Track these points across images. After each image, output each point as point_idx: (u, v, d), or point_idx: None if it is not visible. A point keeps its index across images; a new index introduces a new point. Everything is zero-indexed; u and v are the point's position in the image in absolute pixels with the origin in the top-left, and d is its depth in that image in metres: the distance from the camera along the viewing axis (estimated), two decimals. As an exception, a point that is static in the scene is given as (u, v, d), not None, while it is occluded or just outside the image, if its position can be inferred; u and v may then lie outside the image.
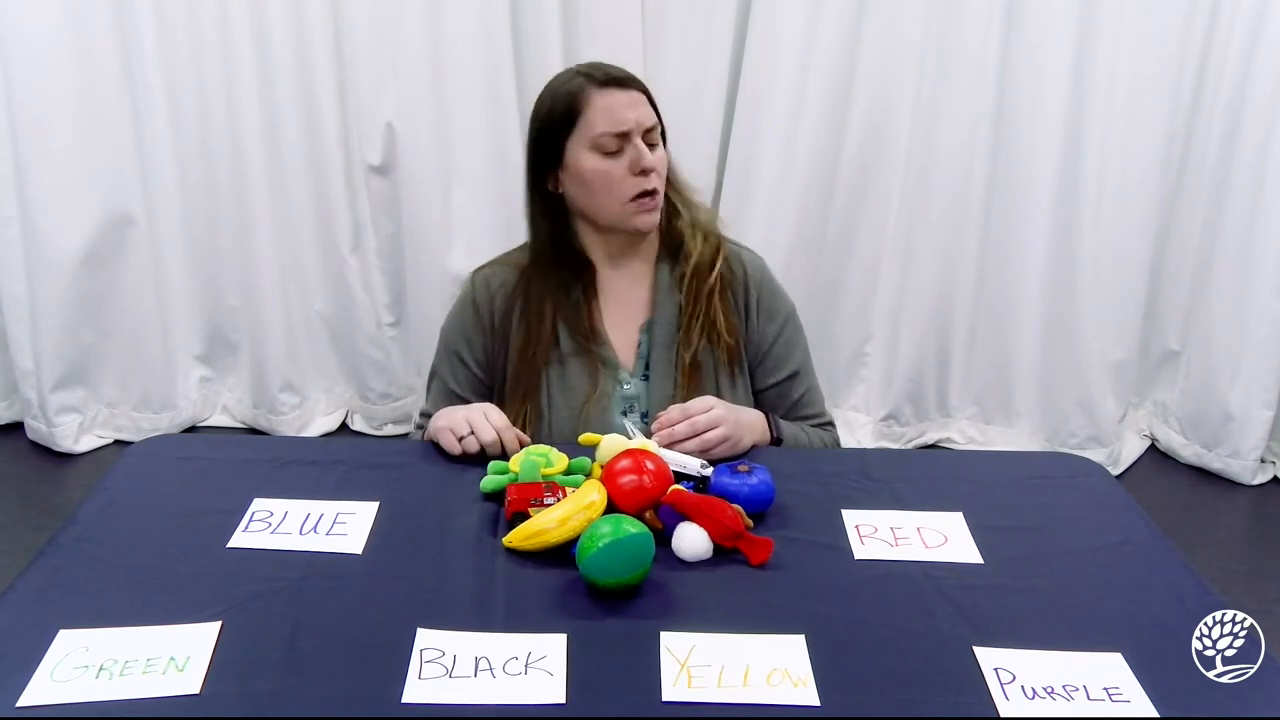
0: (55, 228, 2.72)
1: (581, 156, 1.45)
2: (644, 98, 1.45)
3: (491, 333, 1.55)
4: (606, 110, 1.43)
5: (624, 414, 1.53)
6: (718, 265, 1.53)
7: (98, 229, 2.77)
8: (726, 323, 1.52)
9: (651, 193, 1.45)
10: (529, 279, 1.53)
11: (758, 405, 1.58)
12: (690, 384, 1.50)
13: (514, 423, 1.50)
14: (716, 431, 1.37)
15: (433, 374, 1.60)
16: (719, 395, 1.51)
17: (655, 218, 1.48)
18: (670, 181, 1.52)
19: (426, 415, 1.59)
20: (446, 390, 1.57)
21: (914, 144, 2.77)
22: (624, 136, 1.43)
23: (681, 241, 1.54)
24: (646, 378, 1.53)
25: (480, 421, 1.37)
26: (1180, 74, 2.70)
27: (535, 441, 1.48)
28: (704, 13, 2.69)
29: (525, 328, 1.52)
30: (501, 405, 1.54)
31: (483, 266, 1.60)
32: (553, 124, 1.46)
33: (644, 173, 1.43)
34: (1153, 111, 2.70)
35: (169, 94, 2.76)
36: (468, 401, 1.55)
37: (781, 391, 1.57)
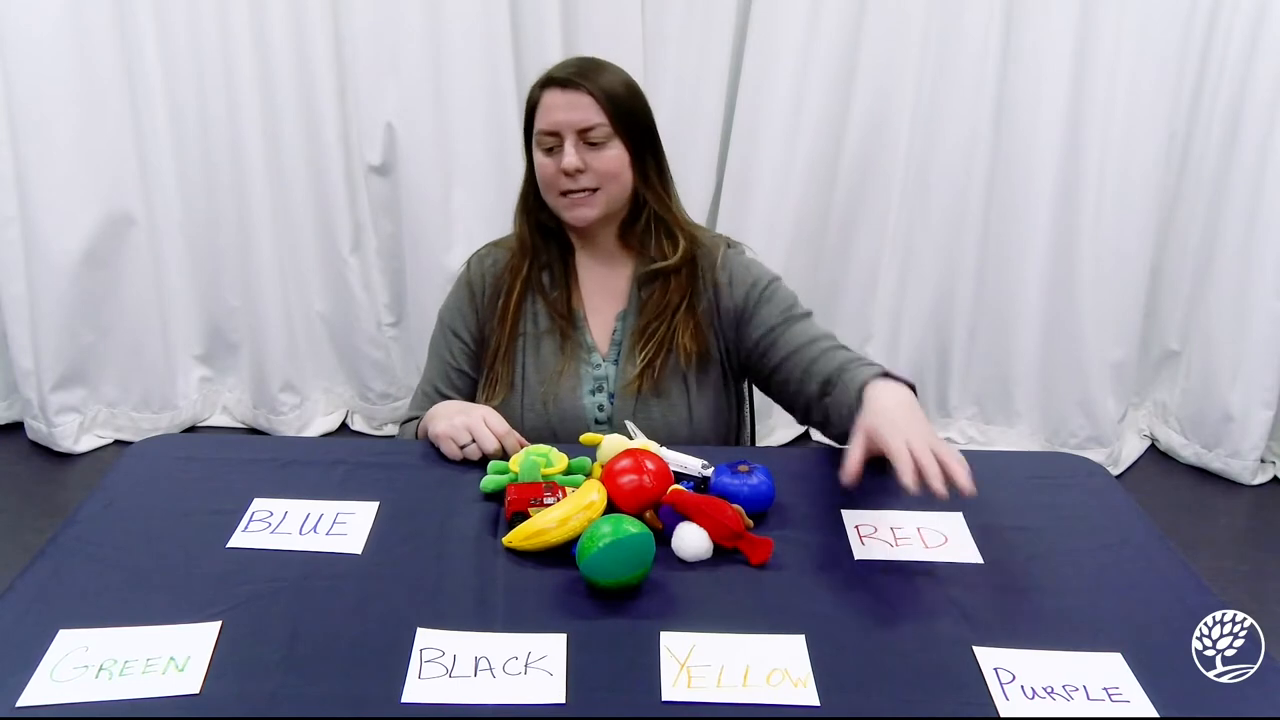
0: (55, 228, 2.72)
1: (535, 152, 1.52)
2: (588, 99, 1.46)
3: (484, 306, 1.59)
4: (545, 110, 1.48)
5: (593, 393, 1.55)
6: (673, 279, 1.54)
7: (98, 229, 2.77)
8: (685, 330, 1.53)
9: (578, 191, 1.48)
10: (518, 257, 1.58)
11: (758, 355, 1.53)
12: (649, 379, 1.52)
13: (488, 391, 1.56)
14: (933, 448, 1.14)
15: (430, 352, 1.64)
16: (685, 391, 1.53)
17: (585, 213, 1.50)
18: (647, 181, 1.53)
19: (417, 405, 1.62)
20: (442, 364, 1.61)
21: (914, 144, 2.77)
22: (555, 136, 1.47)
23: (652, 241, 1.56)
24: (617, 361, 1.57)
25: (481, 429, 1.38)
26: (1180, 74, 2.70)
27: (506, 411, 1.50)
28: (704, 13, 2.69)
29: (506, 301, 1.57)
30: (481, 371, 1.59)
31: (480, 248, 1.66)
32: (525, 120, 1.54)
33: (567, 173, 1.47)
34: (1153, 111, 2.70)
35: (169, 94, 2.76)
36: (463, 373, 1.60)
37: (772, 336, 1.52)
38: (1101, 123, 2.70)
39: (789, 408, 1.55)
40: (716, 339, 1.56)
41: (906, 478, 1.11)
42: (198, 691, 0.94)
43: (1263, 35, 2.63)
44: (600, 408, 1.54)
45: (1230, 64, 2.69)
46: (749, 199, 2.80)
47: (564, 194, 1.49)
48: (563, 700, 0.94)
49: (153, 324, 2.93)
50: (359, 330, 2.98)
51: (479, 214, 2.81)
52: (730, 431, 1.64)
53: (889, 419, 1.19)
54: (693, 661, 0.99)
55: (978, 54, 2.69)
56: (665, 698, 0.95)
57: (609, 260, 1.59)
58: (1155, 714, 0.95)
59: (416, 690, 0.95)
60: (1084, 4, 2.62)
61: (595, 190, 1.49)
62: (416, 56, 2.70)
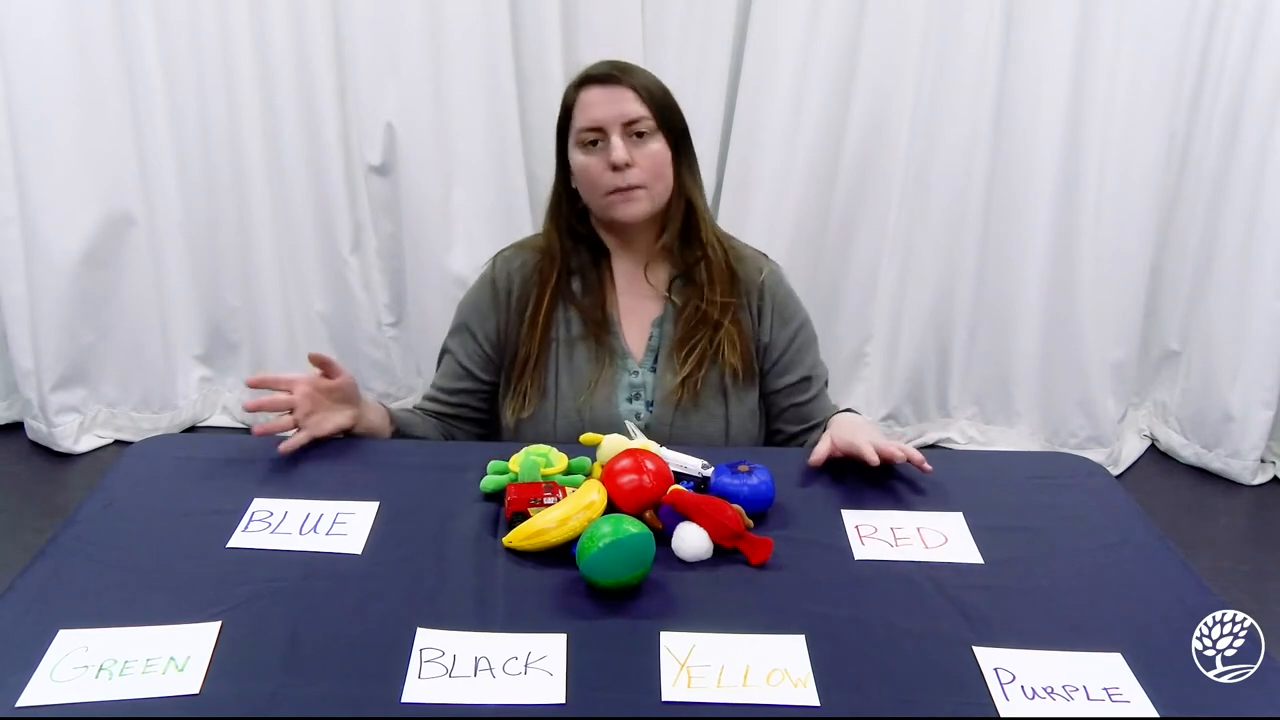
0: (55, 228, 2.72)
1: (573, 153, 1.50)
2: (630, 93, 1.45)
3: (507, 311, 1.56)
4: (585, 108, 1.47)
5: (629, 401, 1.53)
6: (712, 290, 1.53)
7: (98, 229, 2.77)
8: (732, 347, 1.52)
9: (628, 187, 1.46)
10: (547, 262, 1.55)
11: (766, 406, 1.60)
12: (690, 389, 1.51)
13: (517, 401, 1.53)
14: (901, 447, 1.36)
15: (444, 349, 1.62)
16: (724, 402, 1.53)
17: (635, 209, 1.48)
18: (683, 183, 1.51)
19: (426, 397, 1.61)
20: (456, 364, 1.59)
21: (914, 144, 2.77)
22: (599, 131, 1.45)
23: (691, 247, 1.54)
24: (655, 369, 1.55)
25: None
26: (1180, 74, 2.70)
27: (538, 421, 1.50)
28: (704, 13, 2.69)
29: (535, 309, 1.54)
30: (508, 382, 1.56)
31: (505, 248, 1.62)
32: (559, 126, 1.52)
33: (616, 168, 1.44)
34: (1153, 111, 2.70)
35: (169, 94, 2.76)
36: (475, 377, 1.58)
37: (790, 394, 1.59)
38: (1101, 123, 2.70)
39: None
40: (752, 346, 1.56)
41: (873, 459, 1.32)
42: (198, 691, 0.94)
43: (1263, 35, 2.63)
44: (638, 415, 1.52)
45: (1230, 64, 2.69)
46: (749, 199, 2.80)
47: (611, 192, 1.47)
48: (563, 700, 0.94)
49: (153, 324, 2.93)
50: (359, 330, 2.98)
51: (479, 214, 2.81)
52: (759, 441, 1.62)
53: (852, 429, 1.41)
54: (693, 661, 0.99)
55: (978, 54, 2.69)
56: (665, 698, 0.94)
57: (644, 264, 1.56)
58: (1155, 714, 0.95)
59: (416, 690, 0.94)
60: (1084, 4, 2.62)
61: (643, 186, 1.46)
62: (416, 56, 2.70)
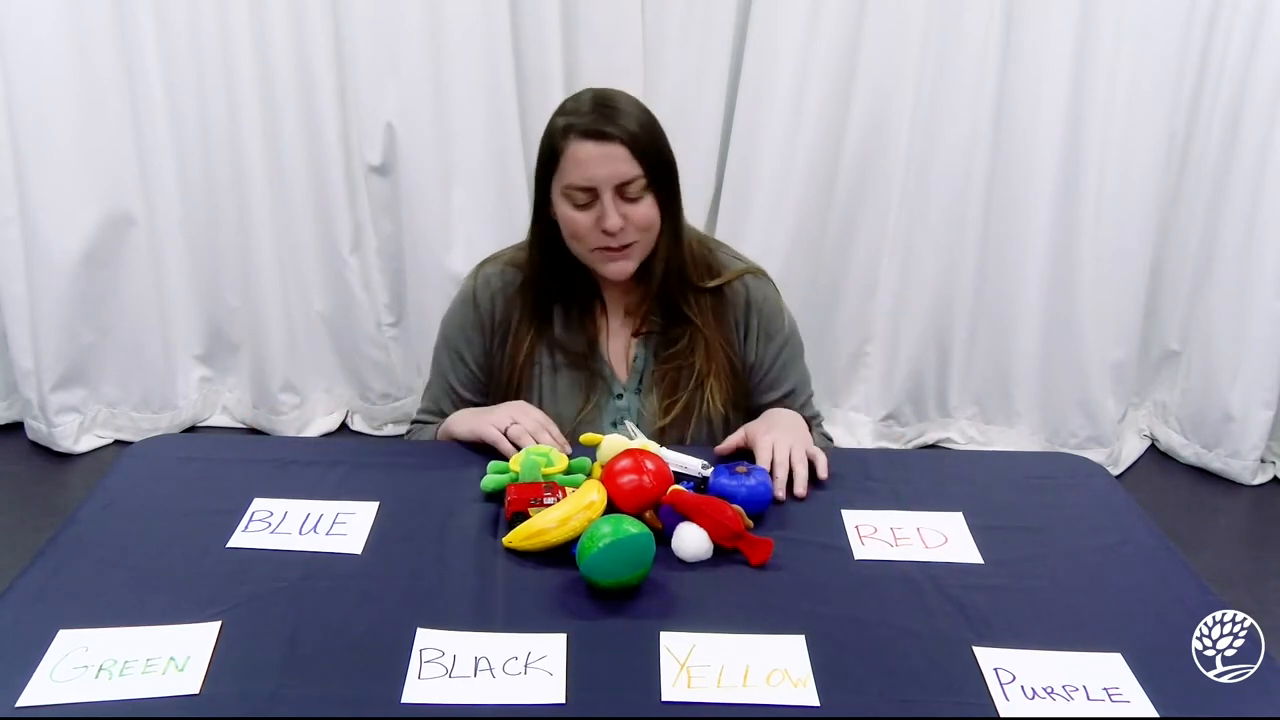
0: (55, 228, 2.72)
1: (558, 200, 1.44)
2: (623, 151, 1.38)
3: (491, 334, 1.55)
4: (577, 163, 1.40)
5: (614, 425, 1.52)
6: (696, 328, 1.52)
7: (98, 229, 2.77)
8: (718, 396, 1.51)
9: (620, 246, 1.43)
10: (530, 287, 1.53)
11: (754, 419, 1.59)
12: (675, 430, 1.50)
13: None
14: (798, 453, 1.36)
15: (434, 366, 1.60)
16: (711, 440, 1.51)
17: (626, 266, 1.45)
18: (664, 224, 1.46)
19: (425, 411, 1.59)
20: (446, 385, 1.58)
21: (914, 144, 2.77)
22: (591, 191, 1.40)
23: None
24: (639, 390, 1.54)
25: (523, 414, 1.41)
26: (1180, 74, 2.70)
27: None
28: (704, 13, 2.68)
29: (519, 334, 1.52)
30: (486, 400, 1.55)
31: (487, 262, 1.59)
32: (541, 161, 1.47)
33: (609, 232, 1.40)
34: (1153, 111, 2.69)
35: (169, 94, 2.76)
36: (464, 399, 1.57)
37: (777, 406, 1.58)
38: (1101, 123, 2.69)
39: None
40: (739, 367, 1.55)
41: (778, 472, 1.33)
42: (197, 691, 0.94)
43: (1263, 35, 2.63)
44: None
45: (1230, 64, 2.69)
46: (749, 199, 2.79)
47: (600, 249, 1.43)
48: (563, 700, 0.94)
49: (153, 324, 2.92)
50: (359, 330, 2.97)
51: (479, 214, 2.81)
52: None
53: (768, 424, 1.43)
54: (693, 661, 0.99)
55: (978, 54, 2.68)
56: (665, 698, 0.95)
57: (634, 288, 1.53)
58: (1155, 714, 0.95)
59: (416, 690, 0.95)
60: (1084, 4, 2.62)
61: (634, 244, 1.43)
62: (416, 56, 2.70)
